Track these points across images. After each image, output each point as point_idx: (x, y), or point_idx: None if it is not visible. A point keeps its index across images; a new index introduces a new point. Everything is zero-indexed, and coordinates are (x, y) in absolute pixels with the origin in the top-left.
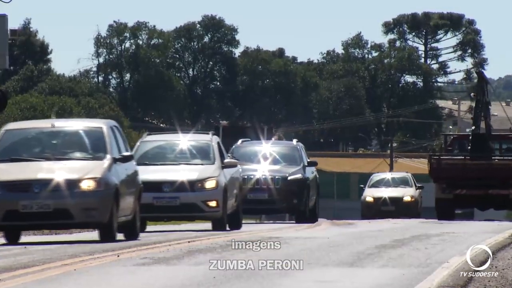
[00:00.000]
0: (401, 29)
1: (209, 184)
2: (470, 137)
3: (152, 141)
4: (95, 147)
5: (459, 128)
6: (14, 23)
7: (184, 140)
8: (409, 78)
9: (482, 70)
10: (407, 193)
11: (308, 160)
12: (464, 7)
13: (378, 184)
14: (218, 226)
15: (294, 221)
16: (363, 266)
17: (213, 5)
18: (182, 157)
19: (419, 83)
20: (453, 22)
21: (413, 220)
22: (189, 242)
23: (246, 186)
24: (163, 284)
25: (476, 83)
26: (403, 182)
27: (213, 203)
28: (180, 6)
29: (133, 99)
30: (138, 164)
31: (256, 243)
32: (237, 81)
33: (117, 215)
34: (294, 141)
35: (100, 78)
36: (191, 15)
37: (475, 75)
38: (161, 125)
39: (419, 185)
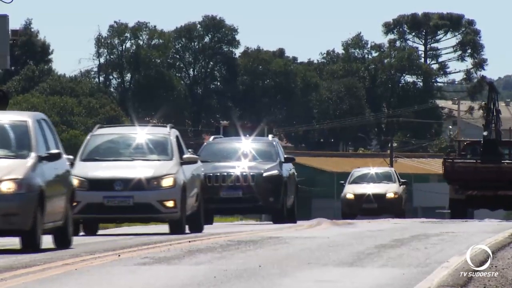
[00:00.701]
0: (401, 29)
1: (166, 182)
2: (482, 143)
3: (104, 134)
4: (18, 143)
5: (459, 128)
6: (15, 24)
7: (140, 134)
8: (409, 78)
9: (492, 81)
10: (390, 189)
11: (285, 156)
12: (463, 7)
13: (359, 180)
14: (176, 228)
15: (271, 221)
16: (363, 266)
17: (213, 6)
18: (137, 152)
19: (419, 83)
20: (453, 22)
21: (409, 220)
22: (189, 242)
23: (219, 184)
24: (164, 284)
25: (488, 93)
26: (385, 178)
27: (170, 203)
28: (180, 7)
29: (133, 99)
30: (87, 160)
31: (256, 243)
32: (237, 81)
33: (42, 220)
34: (270, 136)
35: (101, 78)
36: (191, 15)
37: (475, 75)
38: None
39: (403, 180)
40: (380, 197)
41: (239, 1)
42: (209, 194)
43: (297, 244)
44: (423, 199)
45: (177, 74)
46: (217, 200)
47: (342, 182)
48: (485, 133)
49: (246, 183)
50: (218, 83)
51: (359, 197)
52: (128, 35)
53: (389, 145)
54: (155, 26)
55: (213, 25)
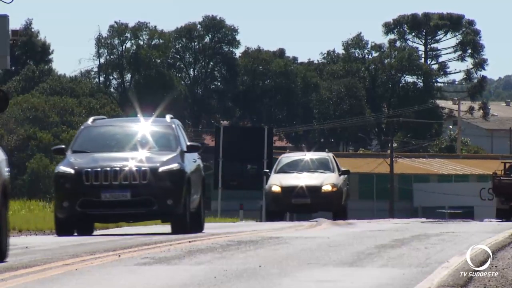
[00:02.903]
0: (401, 29)
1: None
2: None
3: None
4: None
5: (459, 128)
6: (15, 24)
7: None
8: (409, 78)
9: None
10: (327, 180)
11: (189, 143)
12: (464, 7)
13: (288, 168)
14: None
15: (170, 231)
16: (363, 266)
17: (213, 6)
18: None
19: (419, 83)
20: (453, 22)
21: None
22: (189, 242)
23: (100, 182)
24: (164, 284)
25: None
26: (321, 166)
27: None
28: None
29: (134, 99)
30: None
31: (256, 243)
32: (237, 81)
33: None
34: (168, 117)
35: (101, 79)
36: (191, 16)
37: (475, 75)
38: None
39: (344, 169)
40: (314, 190)
41: (239, 1)
42: (87, 196)
43: (297, 244)
44: (423, 199)
45: (177, 74)
46: (98, 204)
47: (267, 171)
48: None
49: (135, 181)
50: (218, 83)
51: (287, 190)
52: (128, 35)
53: (389, 145)
54: (155, 26)
55: (213, 25)
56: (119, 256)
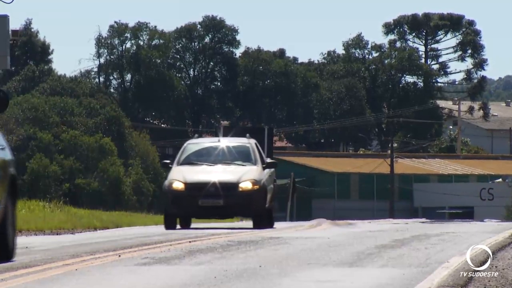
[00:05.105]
0: (401, 29)
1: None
2: None
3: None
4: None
5: (459, 128)
6: (15, 24)
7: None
8: (410, 79)
9: None
10: (247, 176)
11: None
12: (464, 7)
13: (195, 158)
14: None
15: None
16: (363, 266)
17: (213, 6)
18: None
19: (419, 83)
20: (453, 22)
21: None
22: (190, 242)
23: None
24: (164, 284)
25: None
26: (240, 156)
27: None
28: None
29: (134, 99)
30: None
31: (256, 243)
32: (237, 81)
33: None
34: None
35: (101, 79)
36: (191, 16)
37: (475, 75)
38: (162, 125)
39: (271, 160)
40: (229, 188)
41: (240, 1)
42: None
43: (297, 244)
44: (423, 199)
45: (177, 75)
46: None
47: (168, 162)
48: None
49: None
50: (219, 83)
51: (193, 188)
52: (128, 35)
53: (389, 145)
54: (155, 26)
55: (214, 25)
56: (119, 256)
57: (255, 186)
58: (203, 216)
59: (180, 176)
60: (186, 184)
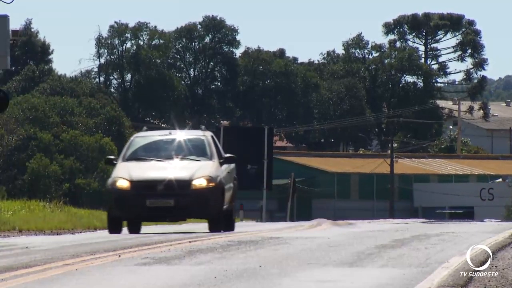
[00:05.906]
0: (401, 29)
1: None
2: None
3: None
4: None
5: (459, 128)
6: (15, 24)
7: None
8: (409, 79)
9: None
10: (201, 172)
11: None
12: (464, 7)
13: (143, 153)
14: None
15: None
16: (363, 266)
17: (214, 6)
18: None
19: (419, 83)
20: (453, 22)
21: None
22: (190, 242)
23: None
24: (164, 284)
25: None
26: (194, 150)
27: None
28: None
29: (134, 99)
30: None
31: (256, 244)
32: (237, 81)
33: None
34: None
35: (101, 79)
36: (192, 16)
37: (475, 75)
38: (162, 125)
39: (229, 155)
40: (181, 187)
41: (240, 2)
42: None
43: (297, 244)
44: (423, 199)
45: (177, 75)
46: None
47: (112, 158)
48: None
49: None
50: (219, 83)
51: (140, 187)
52: (128, 35)
53: (389, 145)
54: (155, 27)
55: (214, 25)
56: (119, 256)
57: (211, 184)
58: (152, 218)
59: (125, 173)
60: (132, 182)
